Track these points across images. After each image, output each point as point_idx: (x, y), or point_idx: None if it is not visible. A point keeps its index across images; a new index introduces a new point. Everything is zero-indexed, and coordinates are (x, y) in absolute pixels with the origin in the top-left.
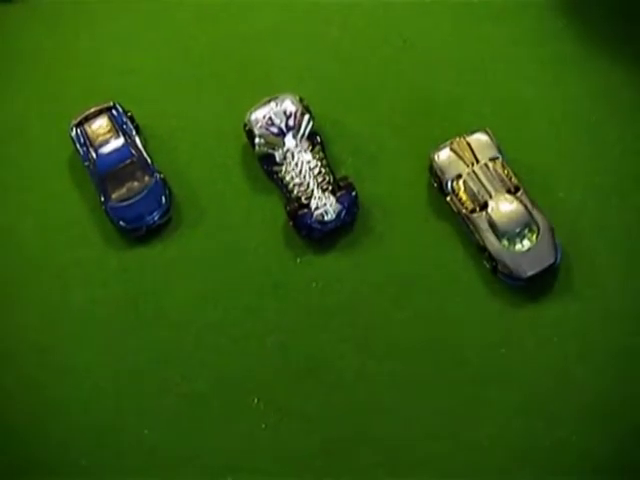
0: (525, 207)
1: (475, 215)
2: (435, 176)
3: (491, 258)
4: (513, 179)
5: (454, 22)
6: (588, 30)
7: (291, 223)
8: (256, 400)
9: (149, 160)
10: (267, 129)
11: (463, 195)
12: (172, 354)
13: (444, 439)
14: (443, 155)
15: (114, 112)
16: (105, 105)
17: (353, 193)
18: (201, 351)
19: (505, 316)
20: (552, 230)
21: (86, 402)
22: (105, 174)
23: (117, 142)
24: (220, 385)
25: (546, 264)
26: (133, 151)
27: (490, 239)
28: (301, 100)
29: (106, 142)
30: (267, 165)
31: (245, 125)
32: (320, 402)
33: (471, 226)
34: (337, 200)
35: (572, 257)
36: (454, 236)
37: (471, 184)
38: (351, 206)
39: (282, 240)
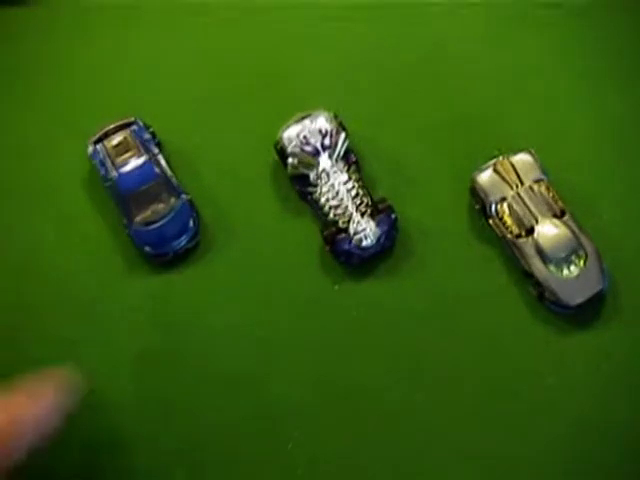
0: (572, 232)
1: (521, 240)
2: (477, 198)
3: (538, 285)
4: (559, 202)
5: (490, 29)
6: (629, 43)
7: (327, 248)
8: (291, 445)
9: (174, 180)
10: (301, 149)
11: (508, 219)
12: (201, 387)
13: (489, 467)
14: (486, 177)
15: (135, 128)
16: (126, 121)
17: (393, 216)
18: (232, 384)
19: (552, 344)
20: (599, 255)
21: (117, 438)
22: (128, 195)
23: (139, 160)
24: (253, 422)
25: (595, 291)
26: (157, 170)
27: (537, 265)
28: (336, 117)
29: (128, 160)
30: (300, 186)
31: (277, 143)
32: (364, 440)
33: (516, 251)
34: (376, 224)
35: (618, 282)
36: (497, 261)
37: (516, 208)
38: (391, 230)
39: (318, 265)
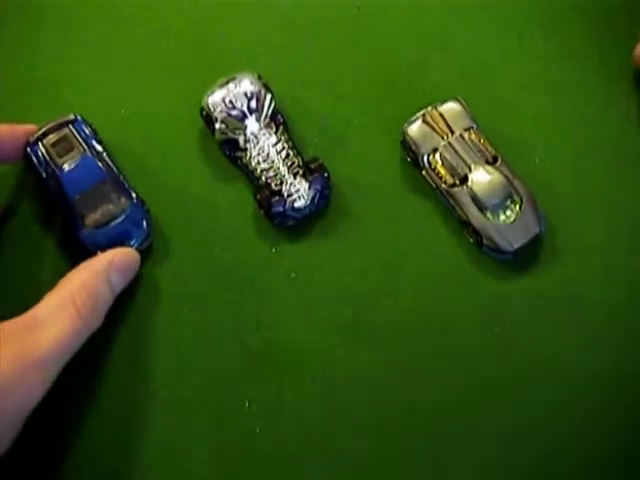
0: (506, 177)
1: (455, 189)
2: (409, 151)
3: (475, 232)
4: (490, 149)
5: None
6: None
7: (262, 212)
8: (247, 403)
9: (122, 178)
10: (228, 113)
11: (441, 169)
12: (152, 364)
13: (439, 421)
14: (416, 128)
15: (76, 125)
16: (65, 118)
17: (325, 175)
18: (181, 357)
19: (494, 292)
20: (534, 199)
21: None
22: (75, 197)
23: (85, 160)
24: (205, 391)
25: (532, 234)
26: (104, 169)
27: (473, 213)
28: (260, 78)
29: (72, 160)
30: (229, 151)
31: (202, 110)
32: (313, 399)
33: (452, 201)
34: (309, 184)
35: (553, 225)
36: (433, 212)
37: (448, 157)
38: (324, 189)
39: (253, 230)
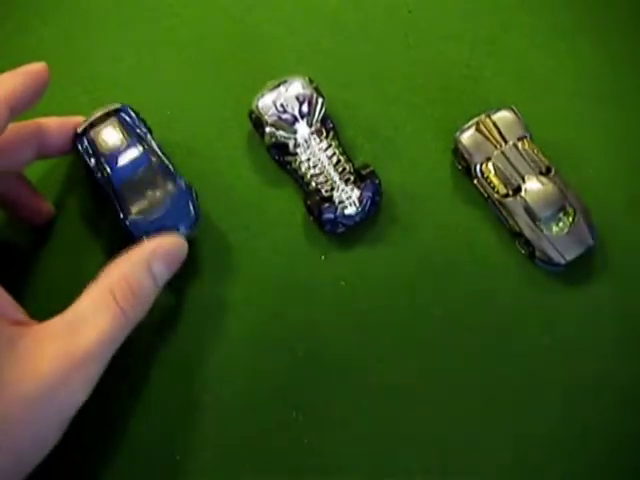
0: (559, 188)
1: (508, 200)
2: (461, 159)
3: (527, 243)
4: (544, 159)
5: None
6: None
7: (311, 218)
8: (294, 414)
9: (171, 166)
10: (279, 117)
11: (494, 179)
12: (198, 370)
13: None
14: (468, 136)
15: (122, 114)
16: (111, 107)
17: (376, 181)
18: (228, 364)
19: (545, 303)
20: (587, 210)
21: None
22: (121, 185)
23: (131, 148)
24: (252, 399)
25: (585, 247)
26: (151, 156)
27: (526, 224)
28: (311, 82)
29: (118, 149)
30: (278, 155)
31: (252, 113)
32: (362, 409)
33: (504, 211)
34: (361, 191)
35: (606, 237)
36: (484, 222)
37: (501, 167)
38: (375, 196)
39: (302, 236)
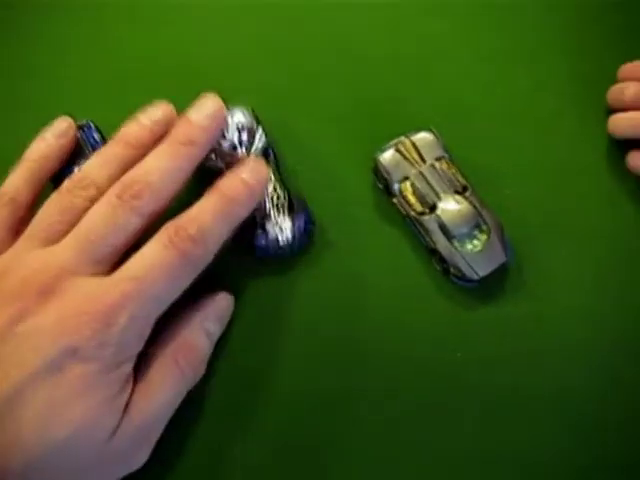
0: (474, 207)
1: (424, 217)
2: (381, 178)
3: (442, 260)
4: (460, 179)
5: (393, 15)
6: (531, 23)
7: (244, 243)
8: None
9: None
10: (219, 143)
11: (411, 197)
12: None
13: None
14: (388, 156)
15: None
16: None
17: (307, 210)
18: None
19: (459, 318)
20: (502, 228)
21: None
22: None
23: None
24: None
25: (498, 263)
26: None
27: (441, 241)
28: (252, 111)
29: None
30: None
31: None
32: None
33: (420, 229)
34: (292, 221)
35: (522, 256)
36: (403, 239)
37: (419, 186)
38: (307, 224)
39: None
